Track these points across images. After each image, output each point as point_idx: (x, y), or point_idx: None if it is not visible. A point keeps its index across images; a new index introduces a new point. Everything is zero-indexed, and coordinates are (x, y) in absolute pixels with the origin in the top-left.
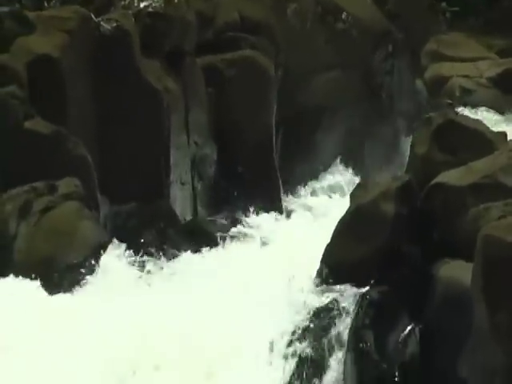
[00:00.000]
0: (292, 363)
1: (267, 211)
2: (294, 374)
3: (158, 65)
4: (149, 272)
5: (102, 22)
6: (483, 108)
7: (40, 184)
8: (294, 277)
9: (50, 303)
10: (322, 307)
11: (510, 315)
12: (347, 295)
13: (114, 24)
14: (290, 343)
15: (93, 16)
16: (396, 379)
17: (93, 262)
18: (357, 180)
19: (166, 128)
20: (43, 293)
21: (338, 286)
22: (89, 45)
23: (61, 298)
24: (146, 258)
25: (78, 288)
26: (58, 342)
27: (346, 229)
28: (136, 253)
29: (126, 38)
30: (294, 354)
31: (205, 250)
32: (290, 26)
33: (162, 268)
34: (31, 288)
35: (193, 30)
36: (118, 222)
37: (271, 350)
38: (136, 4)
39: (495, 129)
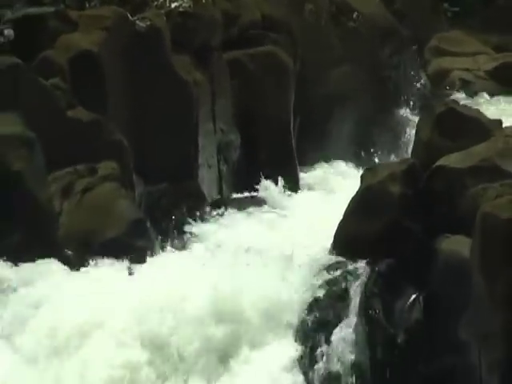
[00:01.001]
0: (308, 328)
1: (285, 190)
2: (308, 337)
3: (188, 59)
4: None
5: (137, 21)
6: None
7: (81, 167)
8: (310, 248)
9: None
10: (335, 277)
11: (506, 285)
12: (358, 267)
13: (148, 22)
14: (306, 309)
15: (129, 15)
16: (402, 342)
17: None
18: (365, 163)
19: (194, 117)
20: None
21: (349, 258)
22: (125, 41)
23: None
24: None
25: None
26: None
27: (356, 207)
28: (167, 229)
29: (158, 35)
30: (310, 319)
31: (229, 224)
32: (307, 24)
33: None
34: None
35: (219, 28)
36: (151, 201)
37: (288, 314)
38: (168, 4)
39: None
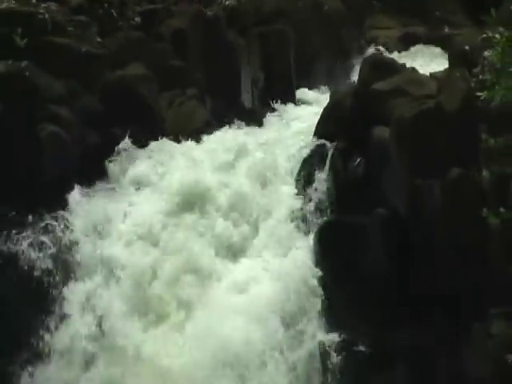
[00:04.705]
0: (301, 175)
1: (287, 103)
2: (300, 179)
3: (235, 33)
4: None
5: (207, 12)
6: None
7: (177, 91)
8: (302, 136)
9: None
10: (318, 150)
11: (408, 154)
12: (328, 146)
13: (213, 12)
14: (298, 168)
15: (202, 8)
16: (351, 187)
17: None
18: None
19: (238, 65)
20: None
21: (323, 142)
22: (201, 24)
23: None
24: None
25: None
26: None
27: (326, 114)
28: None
29: (219, 20)
30: (303, 170)
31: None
32: (299, 13)
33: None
34: None
35: (251, 15)
36: (215, 110)
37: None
38: (224, 2)
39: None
